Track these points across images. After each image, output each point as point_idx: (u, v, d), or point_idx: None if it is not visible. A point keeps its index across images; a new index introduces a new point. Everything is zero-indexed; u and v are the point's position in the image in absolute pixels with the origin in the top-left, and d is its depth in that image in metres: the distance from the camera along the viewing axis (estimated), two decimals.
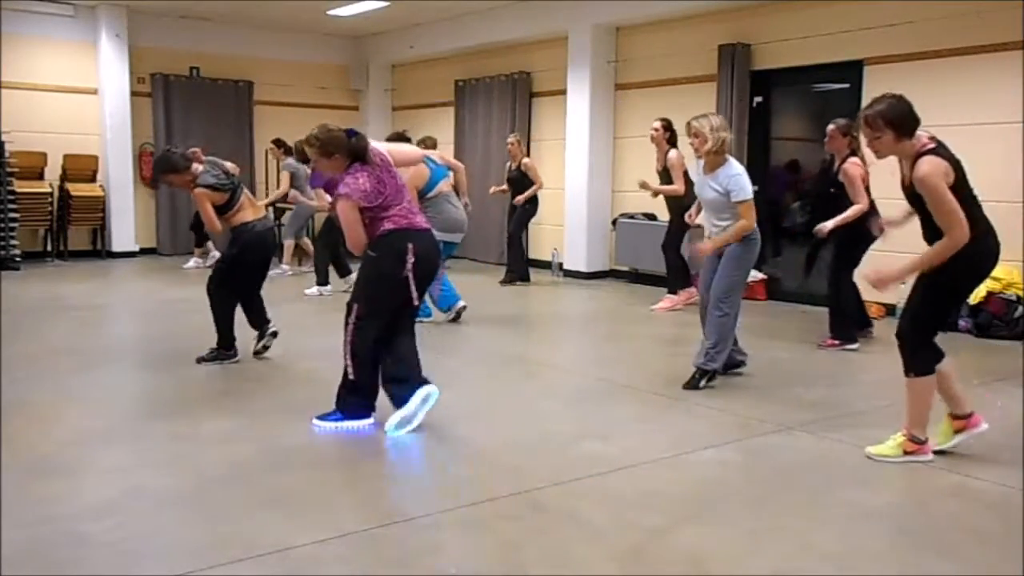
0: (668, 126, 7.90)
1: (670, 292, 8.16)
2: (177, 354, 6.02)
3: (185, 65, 12.27)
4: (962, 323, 6.80)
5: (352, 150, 4.17)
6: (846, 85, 8.05)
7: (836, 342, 6.25)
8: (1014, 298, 6.71)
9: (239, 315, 5.70)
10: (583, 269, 10.18)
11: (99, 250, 11.65)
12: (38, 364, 5.58)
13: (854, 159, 6.08)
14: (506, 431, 4.29)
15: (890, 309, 7.36)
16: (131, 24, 11.46)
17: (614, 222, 10.01)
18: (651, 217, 9.65)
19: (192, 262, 10.77)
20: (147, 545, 2.96)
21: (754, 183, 8.68)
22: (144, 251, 11.91)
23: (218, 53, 12.41)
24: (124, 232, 11.66)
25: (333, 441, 4.22)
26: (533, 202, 9.49)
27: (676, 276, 8.16)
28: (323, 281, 8.65)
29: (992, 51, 7.03)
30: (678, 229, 7.99)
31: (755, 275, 8.72)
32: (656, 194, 7.95)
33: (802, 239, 8.96)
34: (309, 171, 8.60)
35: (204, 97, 12.33)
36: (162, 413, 4.57)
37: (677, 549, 2.99)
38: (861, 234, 6.03)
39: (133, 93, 11.65)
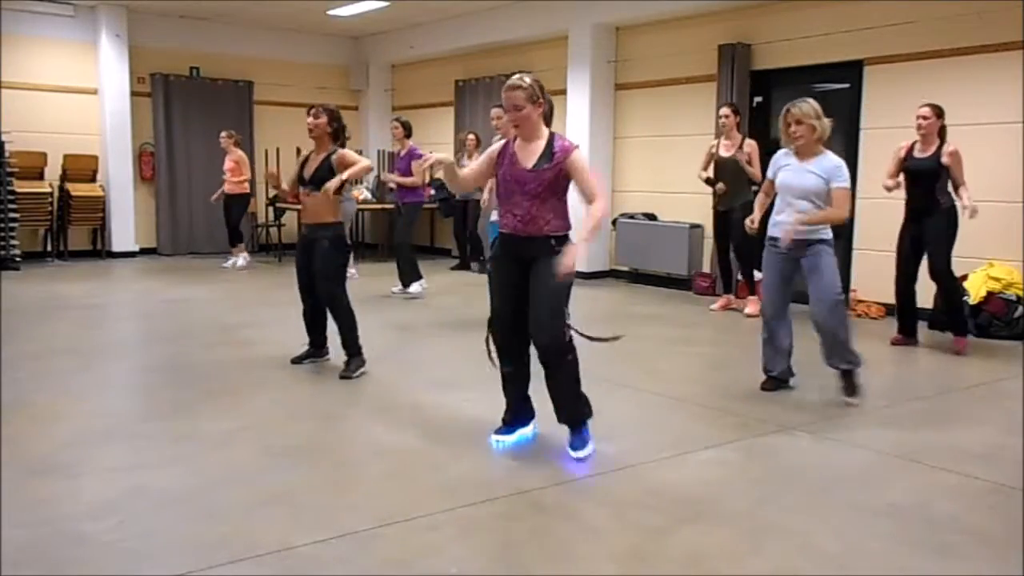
0: (738, 110, 7.81)
1: (750, 294, 7.90)
2: (177, 354, 6.02)
3: (185, 65, 12.27)
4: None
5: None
6: (846, 85, 8.05)
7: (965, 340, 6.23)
8: (1014, 298, 6.71)
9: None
10: (583, 269, 10.15)
11: (99, 250, 11.65)
12: (38, 364, 5.58)
13: (949, 144, 6.02)
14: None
15: (890, 309, 7.37)
16: (131, 24, 11.47)
17: (614, 222, 10.01)
18: (651, 217, 9.66)
19: (240, 259, 10.75)
20: (147, 545, 2.96)
21: (754, 183, 8.68)
22: (144, 251, 11.91)
23: (218, 53, 12.41)
24: (124, 232, 11.67)
25: (333, 441, 4.22)
26: None
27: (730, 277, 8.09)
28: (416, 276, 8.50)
29: (992, 51, 7.04)
30: (721, 226, 7.90)
31: (755, 275, 8.73)
32: (723, 191, 7.71)
33: None
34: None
35: (204, 97, 12.34)
36: (162, 413, 4.57)
37: (677, 549, 2.99)
38: (953, 216, 6.07)
39: (133, 93, 11.66)
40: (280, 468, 3.73)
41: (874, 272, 7.63)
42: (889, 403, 4.90)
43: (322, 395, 5.01)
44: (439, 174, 8.33)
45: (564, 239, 3.82)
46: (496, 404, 4.17)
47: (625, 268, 9.98)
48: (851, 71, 7.94)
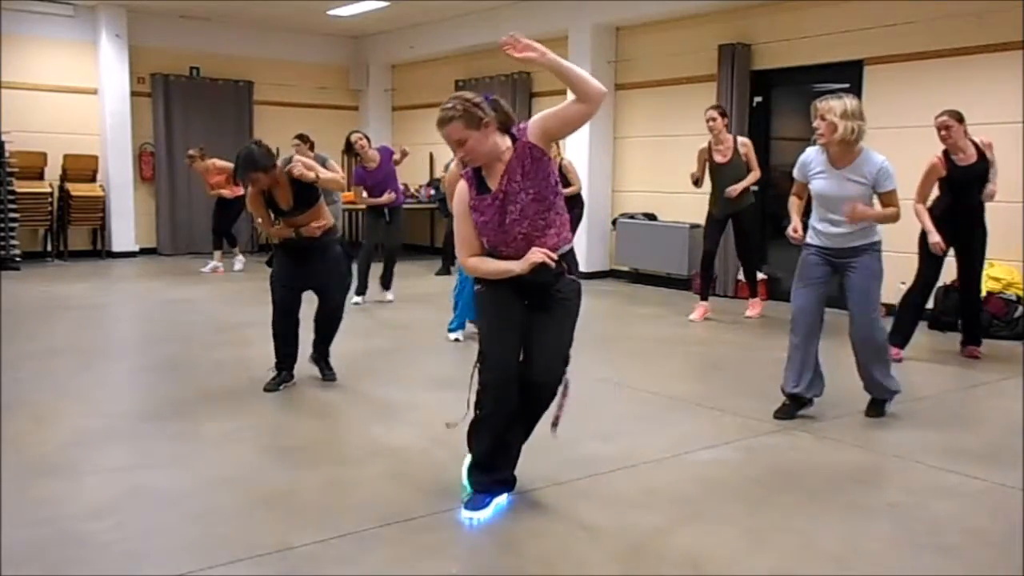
0: (724, 112, 7.56)
1: (752, 296, 7.82)
2: (177, 354, 6.02)
3: (185, 65, 12.27)
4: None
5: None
6: (846, 85, 8.03)
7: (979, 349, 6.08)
8: (1014, 298, 6.71)
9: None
10: (583, 269, 10.11)
11: (99, 250, 11.65)
12: (38, 364, 5.58)
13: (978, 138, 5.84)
14: None
15: (889, 309, 7.36)
16: (131, 24, 11.47)
17: (614, 222, 10.01)
18: (651, 217, 9.66)
19: (238, 262, 10.44)
20: (147, 545, 2.96)
21: (755, 183, 8.69)
22: (144, 251, 11.91)
23: (218, 53, 12.41)
24: (124, 232, 11.67)
25: (333, 441, 4.22)
26: (581, 206, 9.13)
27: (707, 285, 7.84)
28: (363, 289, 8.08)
29: (992, 51, 7.03)
30: (717, 233, 7.63)
31: (758, 276, 8.73)
32: (739, 192, 7.34)
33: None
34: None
35: (204, 97, 12.34)
36: (162, 413, 4.57)
37: (677, 549, 2.99)
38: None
39: (133, 93, 11.66)
40: (280, 468, 3.73)
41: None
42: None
43: (322, 395, 5.01)
44: (440, 174, 8.21)
45: (571, 255, 3.37)
46: None
47: (625, 268, 9.98)
48: (851, 71, 7.93)
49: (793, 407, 4.55)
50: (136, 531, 3.06)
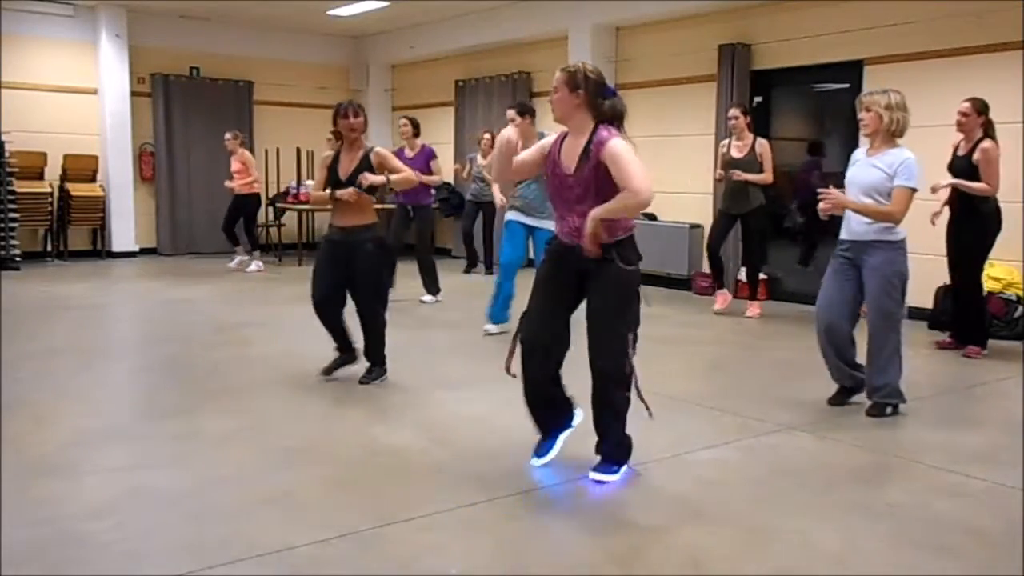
0: (747, 111, 7.64)
1: (720, 289, 7.93)
2: (177, 354, 6.02)
3: (185, 65, 12.27)
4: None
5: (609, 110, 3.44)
6: (846, 85, 8.05)
7: (978, 349, 6.06)
8: (1014, 298, 6.71)
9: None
10: None
11: (99, 250, 11.66)
12: (38, 364, 5.58)
13: (990, 141, 5.82)
14: (506, 431, 4.28)
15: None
16: (131, 24, 11.47)
17: None
18: (651, 217, 9.65)
19: (254, 264, 10.47)
20: (147, 545, 2.96)
21: (763, 183, 8.66)
22: (144, 251, 11.91)
23: (218, 53, 12.41)
24: (124, 232, 11.67)
25: (333, 441, 4.22)
26: None
27: (721, 276, 7.93)
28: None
29: (992, 51, 7.03)
30: (762, 235, 7.77)
31: (759, 276, 8.73)
32: (742, 182, 7.45)
33: (802, 239, 8.99)
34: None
35: (204, 97, 12.34)
36: (162, 413, 4.57)
37: (677, 549, 2.99)
38: (991, 225, 5.89)
39: (133, 93, 11.66)
40: (280, 468, 3.73)
41: None
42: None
43: (322, 395, 5.01)
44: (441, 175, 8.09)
45: (625, 244, 3.48)
46: (496, 403, 4.18)
47: None
48: (851, 71, 7.93)
49: (839, 398, 4.73)
50: (136, 531, 3.06)
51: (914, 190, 4.33)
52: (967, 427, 4.54)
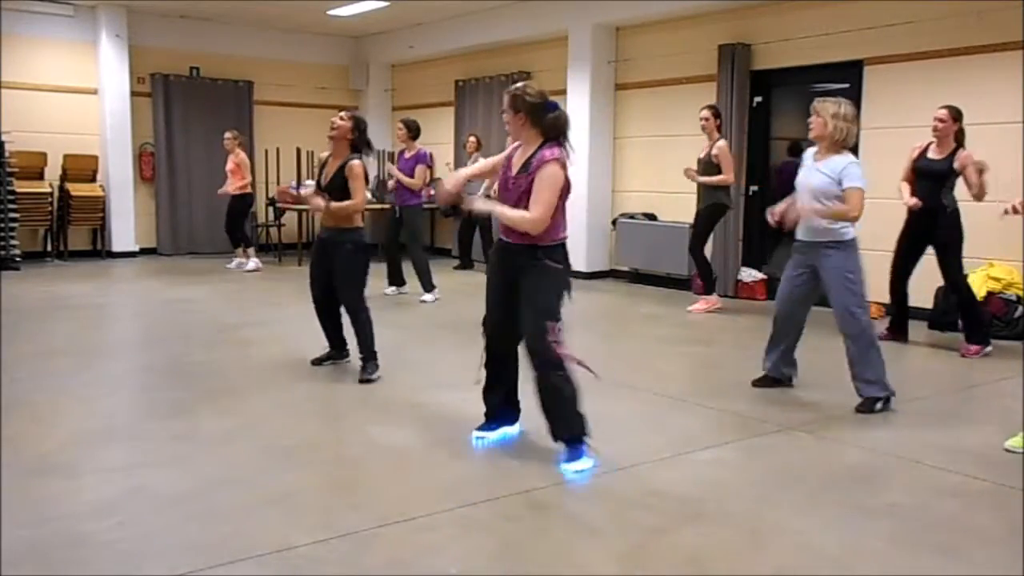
0: (718, 113, 7.85)
1: (707, 293, 8.01)
2: (177, 354, 6.02)
3: (185, 65, 12.27)
4: (962, 323, 6.79)
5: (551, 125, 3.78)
6: (846, 85, 8.04)
7: (976, 347, 6.13)
8: (1014, 298, 6.71)
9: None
10: (583, 269, 10.16)
11: (99, 250, 11.65)
12: (38, 364, 5.58)
13: (965, 150, 6.03)
14: None
15: (889, 309, 7.36)
16: (131, 24, 11.46)
17: (614, 222, 10.01)
18: (651, 217, 9.66)
19: (251, 263, 10.57)
20: (147, 545, 2.96)
21: (755, 182, 8.70)
22: (144, 251, 11.91)
23: (218, 53, 12.41)
24: (124, 232, 11.66)
25: (333, 441, 4.22)
26: None
27: (709, 278, 8.03)
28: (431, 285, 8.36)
29: (992, 51, 7.03)
30: (704, 230, 7.90)
31: (755, 275, 8.73)
32: (700, 183, 7.75)
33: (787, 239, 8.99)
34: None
35: (204, 97, 12.33)
36: (162, 413, 4.57)
37: (677, 549, 2.99)
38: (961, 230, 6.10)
39: (133, 93, 11.65)
40: (280, 468, 3.73)
41: (876, 272, 7.61)
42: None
43: (322, 395, 5.01)
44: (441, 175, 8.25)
45: (554, 249, 3.75)
46: None
47: (625, 268, 9.98)
48: (851, 71, 7.93)
49: (763, 382, 5.09)
50: (136, 531, 3.06)
51: (863, 190, 4.60)
52: (967, 427, 4.54)
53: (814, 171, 4.71)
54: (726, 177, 7.65)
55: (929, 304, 6.99)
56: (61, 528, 3.07)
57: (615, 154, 10.23)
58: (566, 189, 3.72)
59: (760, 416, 4.56)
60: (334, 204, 5.20)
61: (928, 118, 6.21)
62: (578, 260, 10.22)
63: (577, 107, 10.09)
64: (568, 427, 3.77)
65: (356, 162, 5.25)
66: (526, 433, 4.19)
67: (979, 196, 5.96)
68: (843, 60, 7.95)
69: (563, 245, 3.82)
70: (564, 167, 3.70)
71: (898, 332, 6.55)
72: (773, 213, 4.95)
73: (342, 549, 2.94)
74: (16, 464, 3.69)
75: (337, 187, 5.22)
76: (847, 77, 7.98)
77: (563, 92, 10.26)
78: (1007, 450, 4.01)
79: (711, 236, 8.05)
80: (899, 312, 6.55)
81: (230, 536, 3.02)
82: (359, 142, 5.33)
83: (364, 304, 5.30)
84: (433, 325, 7.20)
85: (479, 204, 4.00)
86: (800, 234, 4.81)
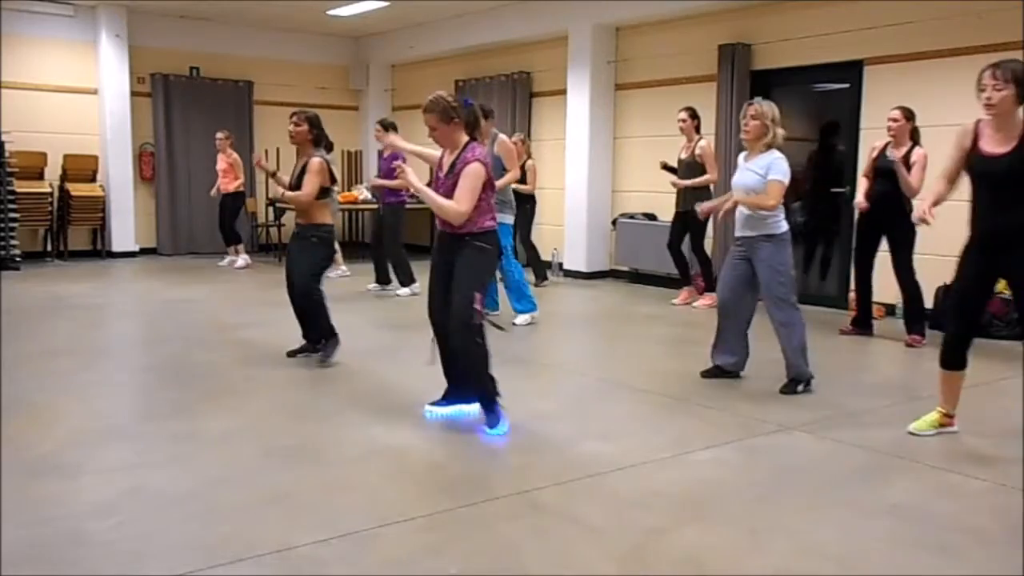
0: (695, 114, 8.05)
1: (685, 285, 8.38)
2: (177, 354, 6.02)
3: (185, 65, 12.27)
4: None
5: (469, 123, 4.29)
6: (846, 85, 8.05)
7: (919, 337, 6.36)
8: None
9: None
10: (583, 269, 10.18)
11: (99, 250, 11.65)
12: (38, 364, 5.58)
13: (921, 148, 6.27)
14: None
15: (889, 309, 7.36)
16: (131, 24, 11.46)
17: (614, 222, 10.01)
18: (651, 217, 9.66)
19: (240, 260, 10.81)
20: (147, 545, 2.96)
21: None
22: (144, 251, 11.91)
23: (218, 53, 12.41)
24: (124, 232, 11.66)
25: (333, 441, 4.22)
26: (532, 202, 9.53)
27: (686, 272, 8.34)
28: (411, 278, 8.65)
29: (992, 51, 7.01)
30: (683, 227, 8.14)
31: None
32: (682, 188, 7.99)
33: (801, 239, 8.99)
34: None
35: (204, 97, 12.33)
36: (162, 413, 4.57)
37: (677, 549, 2.99)
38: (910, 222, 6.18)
39: (133, 93, 11.66)
40: (280, 468, 3.73)
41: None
42: (889, 403, 4.90)
43: (322, 395, 5.01)
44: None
45: (484, 235, 4.21)
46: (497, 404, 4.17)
47: (625, 268, 9.98)
48: (851, 71, 7.94)
49: (711, 372, 5.37)
50: (136, 531, 3.06)
51: (783, 183, 4.92)
52: (967, 427, 4.53)
53: (746, 171, 5.04)
54: (711, 176, 7.87)
55: (930, 304, 6.98)
56: (61, 528, 3.06)
57: (615, 154, 10.23)
58: (488, 184, 4.18)
59: (760, 416, 4.56)
60: (288, 193, 5.64)
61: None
62: (578, 260, 10.25)
63: (577, 107, 10.09)
64: (483, 387, 4.24)
65: (315, 160, 5.54)
66: (526, 434, 4.19)
67: (912, 193, 6.17)
68: (843, 60, 7.95)
69: (493, 232, 4.29)
70: (486, 165, 4.17)
71: (863, 326, 6.75)
72: (703, 210, 5.62)
73: (342, 549, 2.94)
74: (16, 464, 3.69)
75: (299, 185, 5.59)
76: (847, 77, 7.99)
77: (563, 92, 10.27)
78: (911, 433, 4.20)
79: (708, 235, 8.31)
80: (862, 306, 6.75)
81: (230, 536, 3.02)
82: (320, 137, 5.63)
83: (316, 286, 5.58)
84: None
85: (412, 179, 4.28)
86: (738, 230, 5.12)
